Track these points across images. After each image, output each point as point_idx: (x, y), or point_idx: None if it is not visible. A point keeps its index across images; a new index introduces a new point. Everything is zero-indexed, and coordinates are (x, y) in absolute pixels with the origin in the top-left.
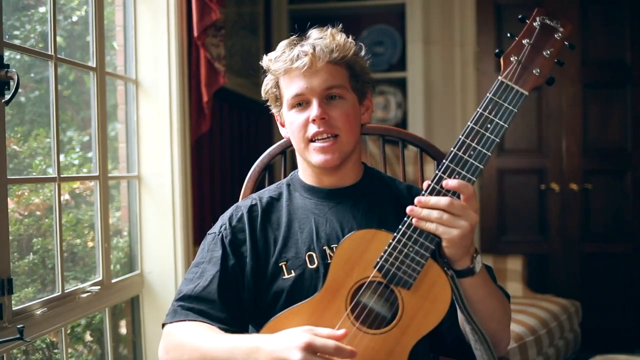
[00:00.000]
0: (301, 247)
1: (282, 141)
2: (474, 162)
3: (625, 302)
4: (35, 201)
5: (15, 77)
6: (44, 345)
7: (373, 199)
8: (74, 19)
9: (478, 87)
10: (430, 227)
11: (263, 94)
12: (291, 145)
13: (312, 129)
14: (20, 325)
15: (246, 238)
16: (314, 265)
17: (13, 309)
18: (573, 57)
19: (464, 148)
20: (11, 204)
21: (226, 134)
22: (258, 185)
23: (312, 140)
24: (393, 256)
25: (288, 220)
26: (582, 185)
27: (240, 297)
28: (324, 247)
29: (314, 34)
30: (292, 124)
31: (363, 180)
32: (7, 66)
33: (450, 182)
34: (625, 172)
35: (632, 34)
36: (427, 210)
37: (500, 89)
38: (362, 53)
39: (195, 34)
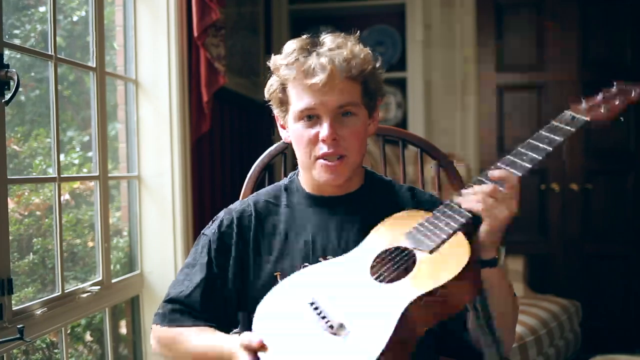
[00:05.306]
0: (297, 257)
1: (282, 141)
2: (521, 162)
3: (625, 302)
4: (36, 201)
5: (15, 77)
6: (44, 345)
7: (372, 206)
8: (74, 18)
9: (478, 87)
10: (475, 207)
11: (266, 94)
12: (291, 145)
13: (321, 148)
14: (20, 325)
15: (232, 245)
16: None
17: (13, 309)
18: (573, 57)
19: (514, 153)
20: (11, 204)
21: (226, 134)
22: (258, 185)
23: (319, 158)
24: (424, 226)
25: (285, 228)
26: (583, 185)
27: (224, 302)
28: (320, 259)
29: (328, 40)
30: (299, 137)
31: (364, 187)
32: (7, 66)
33: (495, 172)
34: (627, 172)
35: (632, 34)
36: (472, 194)
37: (562, 117)
38: (378, 64)
39: (196, 34)
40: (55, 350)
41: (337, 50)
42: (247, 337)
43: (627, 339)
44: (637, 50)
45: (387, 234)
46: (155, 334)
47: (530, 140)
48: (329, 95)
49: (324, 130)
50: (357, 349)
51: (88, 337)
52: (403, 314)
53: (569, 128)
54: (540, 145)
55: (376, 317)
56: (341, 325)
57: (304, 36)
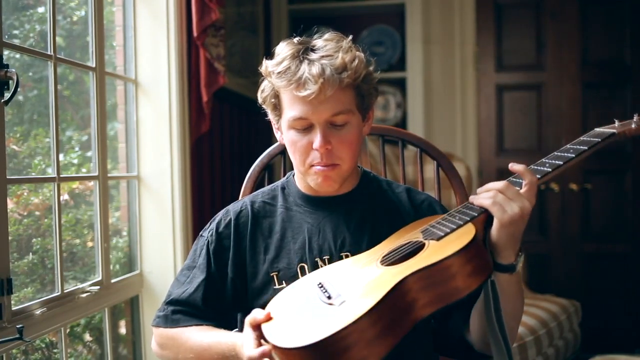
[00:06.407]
0: (293, 257)
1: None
2: (542, 168)
3: (625, 302)
4: (35, 201)
5: (15, 77)
6: (44, 345)
7: (367, 207)
8: (74, 18)
9: (478, 87)
10: (485, 202)
11: (259, 99)
12: None
13: (315, 157)
14: (20, 325)
15: (230, 246)
16: None
17: (12, 309)
18: (573, 57)
19: (538, 162)
20: (11, 204)
21: (226, 134)
22: (258, 185)
23: (313, 165)
24: (439, 222)
25: (282, 228)
26: (582, 185)
27: (224, 303)
28: (316, 259)
29: (319, 43)
30: (292, 144)
31: (359, 187)
32: (7, 66)
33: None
34: (625, 172)
35: (632, 34)
36: (484, 191)
37: (590, 132)
38: (372, 67)
39: (195, 34)
40: (55, 350)
41: (329, 58)
42: (252, 314)
43: (627, 339)
44: (637, 50)
45: (404, 234)
46: (158, 337)
47: (556, 153)
48: (321, 105)
49: (317, 140)
50: (346, 311)
51: (87, 337)
52: (398, 285)
53: (594, 139)
54: (564, 154)
55: (373, 288)
56: (339, 296)
57: (296, 39)
